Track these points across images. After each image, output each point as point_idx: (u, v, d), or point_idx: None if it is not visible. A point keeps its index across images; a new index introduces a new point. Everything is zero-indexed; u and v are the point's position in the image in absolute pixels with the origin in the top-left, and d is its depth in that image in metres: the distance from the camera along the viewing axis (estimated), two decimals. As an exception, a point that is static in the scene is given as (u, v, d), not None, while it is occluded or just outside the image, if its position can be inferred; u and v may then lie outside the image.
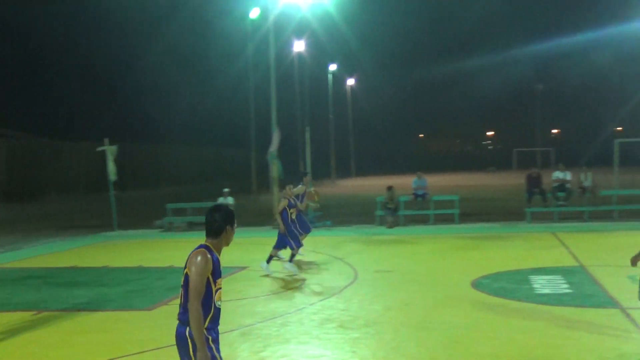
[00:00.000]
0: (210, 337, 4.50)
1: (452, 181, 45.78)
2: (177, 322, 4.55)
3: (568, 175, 21.07)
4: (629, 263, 6.66)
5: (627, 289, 9.84)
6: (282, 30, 33.37)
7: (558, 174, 21.18)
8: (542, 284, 10.44)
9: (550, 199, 20.84)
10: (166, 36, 49.91)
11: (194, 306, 4.38)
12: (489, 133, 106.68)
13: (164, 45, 49.98)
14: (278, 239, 12.56)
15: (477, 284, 10.61)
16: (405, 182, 28.32)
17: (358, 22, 52.98)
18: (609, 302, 9.09)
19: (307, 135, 22.71)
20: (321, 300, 9.88)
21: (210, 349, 4.44)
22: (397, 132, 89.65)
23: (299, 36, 44.04)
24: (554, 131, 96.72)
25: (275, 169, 21.27)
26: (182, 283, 4.56)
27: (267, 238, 18.61)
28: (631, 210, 20.29)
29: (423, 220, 20.52)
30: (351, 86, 68.93)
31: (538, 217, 20.16)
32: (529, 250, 14.48)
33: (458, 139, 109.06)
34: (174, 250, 16.28)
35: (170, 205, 21.95)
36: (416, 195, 21.59)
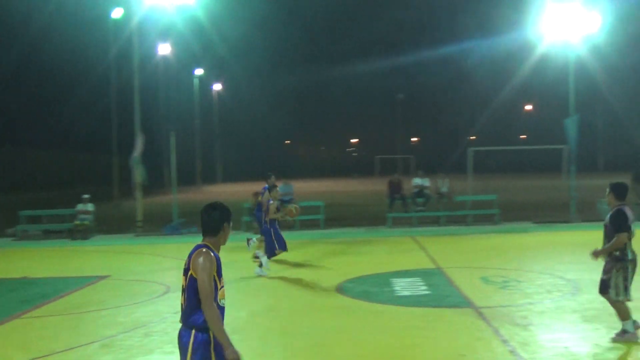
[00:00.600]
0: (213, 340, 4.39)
1: (317, 187, 46.52)
2: (182, 324, 4.45)
3: (427, 182, 22.08)
4: (482, 265, 7.08)
5: (479, 290, 10.45)
6: (147, 32, 32.52)
7: (417, 180, 22.14)
8: (402, 286, 10.84)
9: (410, 204, 21.71)
10: (26, 37, 47.12)
11: (211, 307, 4.31)
12: (353, 140, 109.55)
13: (23, 45, 47.17)
14: (266, 245, 12.57)
15: (341, 288, 10.85)
16: (271, 188, 28.36)
17: (225, 26, 52.62)
18: (463, 302, 9.59)
19: (172, 141, 22.22)
20: (186, 309, 9.69)
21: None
22: (264, 137, 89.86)
23: (164, 39, 43.10)
24: (414, 139, 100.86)
25: (138, 174, 20.69)
26: (184, 285, 4.45)
27: (131, 245, 18.10)
28: (484, 215, 21.56)
29: (289, 226, 20.68)
30: (218, 91, 68.38)
31: (399, 222, 20.94)
32: (391, 254, 15.01)
33: (323, 145, 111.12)
34: (28, 260, 15.38)
35: (23, 213, 20.74)
36: (282, 201, 21.74)
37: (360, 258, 14.48)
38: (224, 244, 4.72)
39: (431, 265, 12.99)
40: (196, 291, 4.36)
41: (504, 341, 7.46)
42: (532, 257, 13.76)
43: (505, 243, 16.38)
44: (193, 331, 4.38)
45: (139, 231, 20.92)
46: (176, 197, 21.53)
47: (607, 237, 7.41)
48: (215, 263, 4.46)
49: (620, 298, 7.25)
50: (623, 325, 7.33)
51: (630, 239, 7.27)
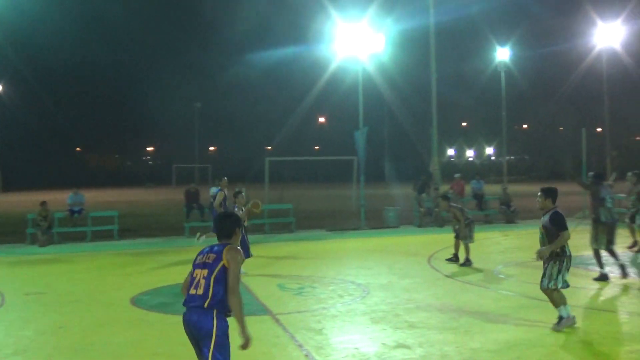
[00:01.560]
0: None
1: (111, 196, 44.70)
2: (200, 309, 5.11)
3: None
4: (278, 272, 7.26)
5: (276, 297, 10.68)
6: None
7: (214, 190, 22.06)
8: (200, 297, 10.74)
9: (207, 214, 21.61)
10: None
11: (238, 295, 5.15)
12: (149, 148, 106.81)
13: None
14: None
15: (137, 301, 10.51)
16: (60, 198, 26.82)
17: (11, 27, 48.86)
18: (260, 309, 9.74)
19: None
20: (-39, 331, 8.81)
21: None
22: (51, 144, 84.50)
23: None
24: (212, 148, 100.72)
25: None
26: (206, 274, 5.18)
27: None
28: (280, 223, 22.09)
29: (80, 238, 19.67)
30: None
31: (196, 231, 20.72)
32: (188, 263, 14.76)
33: (117, 153, 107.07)
34: None
35: None
36: (72, 212, 20.63)
37: (156, 269, 14.13)
38: (237, 244, 5.48)
39: (229, 275, 13.00)
40: (226, 280, 5.14)
41: (299, 346, 7.70)
42: (325, 264, 14.34)
43: (300, 250, 16.90)
44: (216, 317, 5.11)
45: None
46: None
47: (549, 236, 8.24)
48: None
49: (551, 285, 8.14)
50: (558, 312, 8.21)
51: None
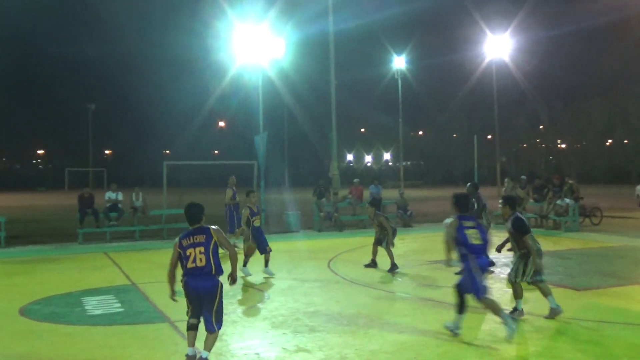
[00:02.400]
0: None
1: (-3, 202, 42.46)
2: (207, 276, 6.99)
3: (120, 196, 21.51)
4: (176, 278, 7.14)
5: (175, 304, 10.45)
6: None
7: (110, 194, 21.43)
8: (94, 305, 10.40)
9: (103, 219, 20.94)
10: None
11: (233, 249, 7.30)
12: (40, 151, 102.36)
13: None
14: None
15: (26, 311, 10.03)
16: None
17: None
18: (158, 317, 9.53)
19: None
20: None
21: None
22: None
23: None
24: (107, 152, 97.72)
25: None
26: (202, 250, 6.95)
27: None
28: (178, 229, 21.69)
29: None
30: None
31: (90, 238, 20.09)
32: (82, 271, 14.30)
33: (4, 156, 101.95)
34: None
35: None
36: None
37: (47, 277, 13.54)
38: None
39: (125, 282, 12.68)
40: (218, 252, 7.06)
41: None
42: (225, 269, 14.18)
43: (199, 256, 16.66)
44: (218, 279, 7.10)
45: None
46: None
47: (515, 240, 9.09)
48: None
49: (518, 280, 8.99)
50: (516, 303, 9.09)
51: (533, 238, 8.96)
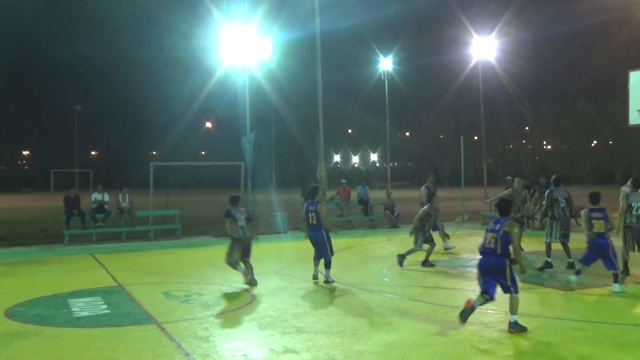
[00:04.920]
0: None
1: (-18, 203, 42.12)
2: (492, 255, 8.18)
3: (106, 197, 21.41)
4: (164, 280, 7.11)
5: (162, 305, 10.45)
6: None
7: (96, 196, 21.32)
8: (80, 307, 10.34)
9: (89, 221, 20.83)
10: None
11: (516, 245, 8.35)
12: (25, 152, 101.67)
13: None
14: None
15: (12, 313, 9.95)
16: None
17: None
18: (145, 318, 9.49)
19: None
20: None
21: None
22: None
23: None
24: (93, 153, 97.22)
25: None
26: (494, 236, 8.23)
27: None
28: (166, 230, 21.64)
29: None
30: None
31: (76, 239, 19.98)
32: (68, 273, 14.22)
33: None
34: None
35: None
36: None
37: (33, 279, 13.45)
38: None
39: (112, 283, 12.62)
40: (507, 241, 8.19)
41: (186, 354, 7.56)
42: (212, 270, 14.16)
43: (186, 257, 16.62)
44: (507, 258, 8.15)
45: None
46: None
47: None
48: None
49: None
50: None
51: None
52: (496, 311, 9.48)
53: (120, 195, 21.53)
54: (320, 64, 26.95)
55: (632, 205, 12.01)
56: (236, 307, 10.26)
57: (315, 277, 12.54)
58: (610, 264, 10.87)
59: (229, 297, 11.08)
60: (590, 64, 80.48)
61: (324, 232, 12.27)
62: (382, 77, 53.13)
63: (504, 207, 8.68)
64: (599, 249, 10.95)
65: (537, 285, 11.62)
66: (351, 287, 11.87)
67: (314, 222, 12.27)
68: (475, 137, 75.53)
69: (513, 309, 8.27)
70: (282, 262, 15.41)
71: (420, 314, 9.46)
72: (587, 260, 11.12)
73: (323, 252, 12.32)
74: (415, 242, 13.99)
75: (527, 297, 10.50)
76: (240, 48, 24.54)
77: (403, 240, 20.13)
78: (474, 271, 12.34)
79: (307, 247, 18.46)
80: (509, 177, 24.48)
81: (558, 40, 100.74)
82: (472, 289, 11.36)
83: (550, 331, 8.34)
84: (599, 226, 10.93)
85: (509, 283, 8.19)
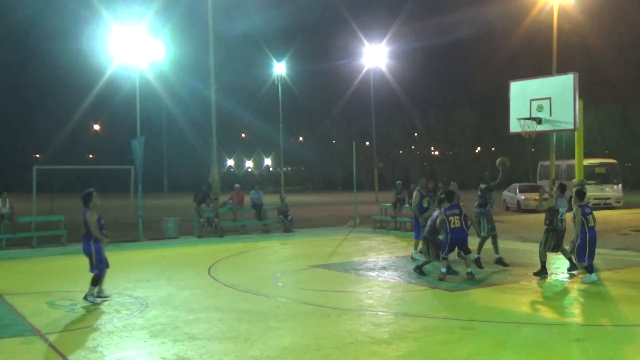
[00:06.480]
0: None
1: None
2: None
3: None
4: (48, 289, 6.80)
5: (46, 315, 9.98)
6: None
7: (-25, 201, 20.12)
8: (-45, 319, 9.71)
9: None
10: None
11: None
12: None
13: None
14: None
15: None
16: None
17: None
18: (27, 330, 9.04)
19: None
20: None
21: None
22: None
23: None
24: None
25: None
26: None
27: None
28: (50, 236, 20.72)
29: None
30: None
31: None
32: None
33: None
34: None
35: None
36: None
37: None
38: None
39: (-10, 293, 11.94)
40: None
41: (72, 366, 7.27)
42: (100, 278, 13.67)
43: (72, 265, 15.94)
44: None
45: None
46: None
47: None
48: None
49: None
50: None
51: None
52: (387, 312, 9.71)
53: (0, 199, 20.39)
54: (214, 67, 26.72)
55: (559, 210, 12.60)
56: (125, 315, 9.96)
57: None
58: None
59: (118, 305, 10.74)
60: (476, 74, 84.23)
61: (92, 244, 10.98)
62: (276, 82, 53.29)
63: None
64: (458, 243, 12.52)
65: (428, 287, 12.00)
66: (245, 292, 11.80)
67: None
68: (367, 143, 77.10)
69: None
70: (174, 268, 15.11)
71: (313, 317, 9.53)
72: (450, 251, 12.54)
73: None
74: (427, 254, 13.25)
75: (417, 298, 10.84)
76: (131, 49, 23.93)
77: (297, 244, 20.25)
78: (365, 274, 12.59)
79: (199, 253, 18.24)
80: (398, 182, 25.19)
81: (446, 50, 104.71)
82: (364, 292, 11.59)
83: (439, 331, 8.63)
84: (455, 220, 12.40)
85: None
